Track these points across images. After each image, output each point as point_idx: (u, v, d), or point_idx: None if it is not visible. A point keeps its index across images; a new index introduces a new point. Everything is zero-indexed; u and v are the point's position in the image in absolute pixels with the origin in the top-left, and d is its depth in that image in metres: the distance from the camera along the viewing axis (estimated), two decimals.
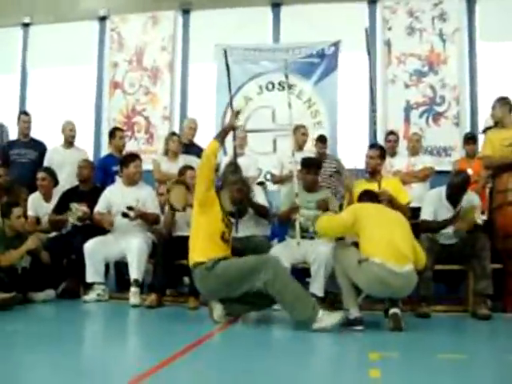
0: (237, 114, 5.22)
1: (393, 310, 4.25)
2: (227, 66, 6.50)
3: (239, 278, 4.31)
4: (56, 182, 6.50)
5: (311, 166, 5.75)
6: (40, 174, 6.42)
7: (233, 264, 4.39)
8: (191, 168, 5.95)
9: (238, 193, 4.76)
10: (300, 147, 6.72)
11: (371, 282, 4.23)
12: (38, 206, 6.39)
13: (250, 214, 5.67)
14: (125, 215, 5.67)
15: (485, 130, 6.41)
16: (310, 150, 7.27)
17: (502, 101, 5.79)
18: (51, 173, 6.48)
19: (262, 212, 5.77)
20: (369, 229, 4.35)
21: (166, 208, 5.72)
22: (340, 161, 7.10)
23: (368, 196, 4.88)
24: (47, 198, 6.42)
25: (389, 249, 4.23)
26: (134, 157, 6.09)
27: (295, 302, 4.17)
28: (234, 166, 5.03)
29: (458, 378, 2.91)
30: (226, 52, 6.67)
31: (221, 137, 4.79)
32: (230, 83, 6.48)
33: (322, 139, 7.03)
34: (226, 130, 4.94)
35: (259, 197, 5.86)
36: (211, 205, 4.51)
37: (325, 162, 6.87)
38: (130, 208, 5.67)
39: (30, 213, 6.33)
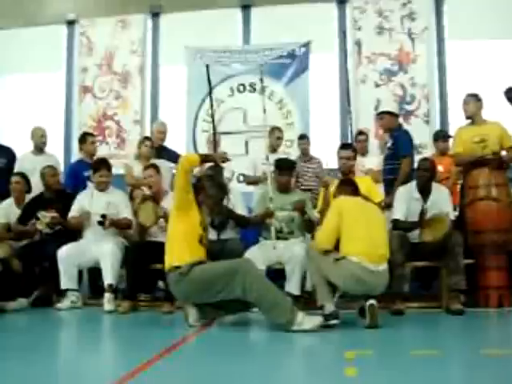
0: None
1: (370, 302, 4.25)
2: (209, 81, 6.44)
3: (214, 284, 4.26)
4: (29, 189, 6.42)
5: (285, 167, 5.75)
6: (14, 178, 6.38)
7: (207, 269, 4.34)
8: (153, 167, 5.91)
9: (216, 205, 4.76)
10: (274, 149, 6.71)
11: (347, 280, 4.27)
12: (9, 212, 6.30)
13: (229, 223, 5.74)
14: (100, 223, 5.63)
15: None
16: (283, 151, 7.29)
17: (475, 97, 5.85)
18: (25, 178, 6.42)
19: (241, 224, 5.80)
20: (349, 226, 4.36)
21: (135, 221, 5.73)
22: (321, 161, 7.13)
23: (347, 184, 4.84)
24: (19, 203, 6.33)
25: (368, 248, 4.27)
26: (99, 165, 6.04)
27: (273, 308, 4.15)
28: (212, 179, 4.91)
29: (432, 374, 2.92)
30: (208, 67, 6.62)
31: (205, 158, 4.84)
32: (211, 98, 6.47)
33: (302, 136, 7.18)
34: (213, 159, 4.98)
35: (238, 206, 5.84)
36: (189, 209, 4.47)
37: (310, 163, 6.92)
38: (103, 216, 5.63)
39: (0, 220, 6.24)
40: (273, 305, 4.14)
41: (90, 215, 5.80)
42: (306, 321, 4.09)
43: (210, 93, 6.45)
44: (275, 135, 6.84)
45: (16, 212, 6.25)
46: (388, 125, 6.18)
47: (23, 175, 6.46)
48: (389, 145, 6.16)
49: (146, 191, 5.96)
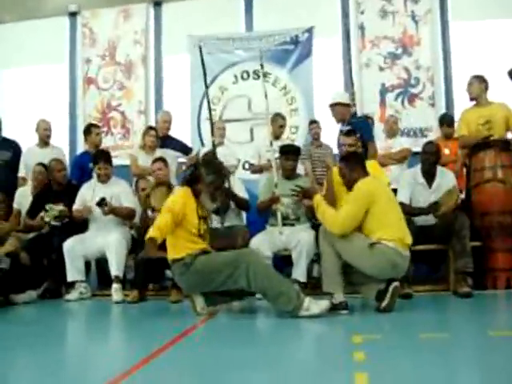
0: None
1: (395, 284, 4.24)
2: (203, 63, 6.40)
3: (218, 275, 4.26)
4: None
5: (290, 151, 5.74)
6: (37, 168, 6.51)
7: (211, 260, 4.33)
8: (162, 160, 5.92)
9: (217, 190, 4.66)
10: (277, 137, 6.69)
11: (384, 266, 4.23)
12: (22, 199, 6.43)
13: (231, 206, 5.77)
14: (99, 204, 5.61)
15: None
16: (288, 138, 7.26)
17: (480, 78, 5.82)
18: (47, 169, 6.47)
19: (242, 205, 5.85)
20: (382, 211, 4.29)
21: (142, 210, 5.72)
22: (331, 149, 7.12)
23: (357, 160, 4.63)
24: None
25: (399, 233, 4.27)
26: (97, 158, 6.06)
27: (279, 296, 4.14)
28: (208, 165, 4.82)
29: (442, 357, 2.92)
30: (201, 49, 6.58)
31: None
32: (206, 80, 6.41)
33: (313, 121, 7.29)
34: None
35: (239, 190, 5.86)
36: (182, 218, 4.37)
37: (321, 148, 6.95)
38: (102, 199, 5.62)
39: (14, 205, 6.43)
40: (278, 294, 4.13)
41: (91, 210, 5.81)
42: (313, 305, 4.09)
43: (205, 80, 6.39)
44: (278, 123, 6.82)
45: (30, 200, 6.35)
46: (340, 116, 6.25)
47: (45, 166, 6.49)
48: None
49: (152, 181, 5.99)
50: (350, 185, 4.50)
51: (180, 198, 4.43)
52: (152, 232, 4.18)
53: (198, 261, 4.30)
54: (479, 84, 5.81)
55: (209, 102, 6.39)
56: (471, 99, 5.91)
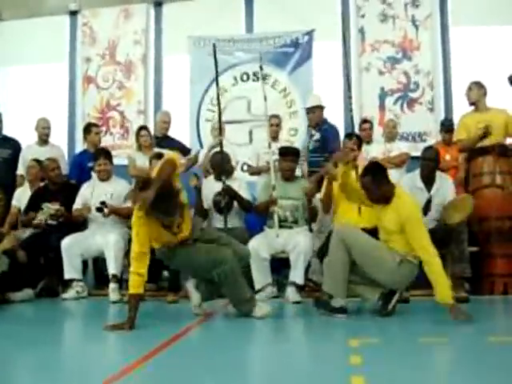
0: None
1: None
2: (215, 60, 6.37)
3: (196, 268, 4.44)
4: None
5: (288, 153, 5.75)
6: (30, 163, 6.57)
7: (192, 255, 4.39)
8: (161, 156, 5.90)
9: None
10: (274, 138, 6.68)
11: (404, 281, 4.39)
12: (22, 196, 6.44)
13: (234, 206, 5.82)
14: (99, 210, 5.63)
15: None
16: (288, 140, 7.25)
17: (478, 84, 5.84)
18: (40, 163, 6.52)
19: (245, 206, 5.86)
20: None
21: None
22: None
23: (384, 173, 4.43)
24: (33, 188, 6.46)
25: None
26: (98, 155, 6.09)
27: (238, 303, 4.39)
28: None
29: (440, 361, 2.93)
30: (214, 46, 6.55)
31: None
32: (217, 80, 6.40)
33: None
34: None
35: (243, 191, 5.89)
36: (151, 236, 4.21)
37: None
38: (103, 203, 5.63)
39: (14, 202, 6.47)
40: (238, 301, 4.38)
41: (91, 209, 5.81)
42: (257, 310, 4.32)
43: (217, 77, 6.38)
44: (271, 122, 6.84)
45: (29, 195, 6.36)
46: (319, 118, 6.42)
47: (38, 161, 6.54)
48: (317, 137, 6.39)
49: None
50: (377, 199, 4.41)
51: (135, 226, 4.17)
52: (133, 281, 4.13)
53: (180, 252, 4.39)
54: (478, 90, 5.84)
55: (219, 103, 6.33)
56: (470, 104, 5.93)
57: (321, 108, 6.64)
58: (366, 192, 4.45)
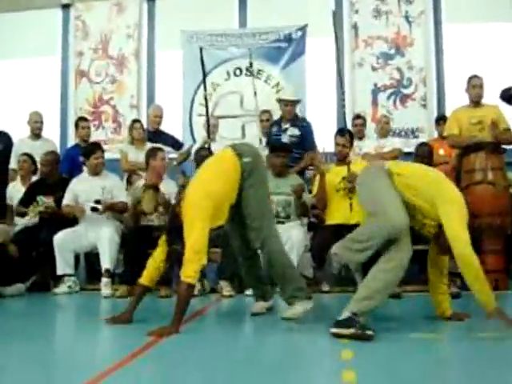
0: None
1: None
2: (202, 63, 6.37)
3: None
4: (35, 169, 6.56)
5: (279, 149, 5.74)
6: (21, 157, 6.56)
7: None
8: (160, 150, 5.91)
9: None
10: (266, 133, 6.68)
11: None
12: (13, 192, 6.40)
13: None
14: (94, 209, 5.62)
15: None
16: None
17: (482, 80, 5.87)
18: (31, 158, 6.55)
19: None
20: None
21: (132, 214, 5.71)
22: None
23: None
24: (25, 182, 6.46)
25: None
26: (94, 148, 6.06)
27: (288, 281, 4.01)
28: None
29: (432, 358, 2.93)
30: (201, 50, 6.56)
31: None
32: (205, 83, 6.39)
33: None
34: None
35: None
36: None
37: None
38: (97, 202, 5.63)
39: (8, 201, 6.37)
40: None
41: (85, 211, 5.77)
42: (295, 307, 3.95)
43: (204, 76, 6.38)
44: (261, 117, 6.84)
45: (22, 190, 6.33)
46: (292, 114, 6.43)
47: (29, 155, 6.55)
48: (295, 133, 6.34)
49: (143, 176, 5.98)
50: None
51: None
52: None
53: None
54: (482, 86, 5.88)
55: (207, 105, 6.36)
56: (476, 102, 5.91)
57: (298, 103, 6.62)
58: None
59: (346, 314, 3.40)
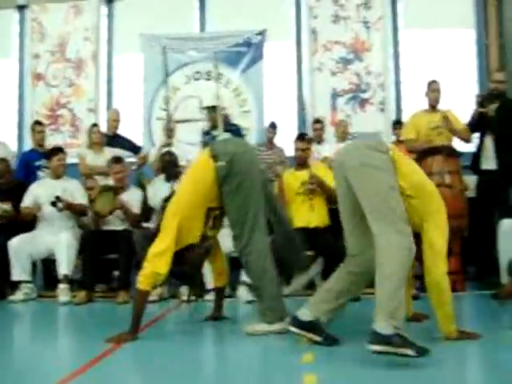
0: None
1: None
2: (165, 64, 6.34)
3: None
4: None
5: None
6: None
7: None
8: (120, 161, 5.88)
9: None
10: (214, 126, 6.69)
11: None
12: None
13: None
14: (54, 204, 5.51)
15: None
16: None
17: (438, 84, 5.96)
18: None
19: None
20: None
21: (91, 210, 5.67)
22: (283, 150, 7.14)
23: None
24: None
25: None
26: (57, 150, 5.99)
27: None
28: None
29: (393, 360, 2.94)
30: (164, 49, 6.53)
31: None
32: (167, 83, 6.36)
33: (272, 125, 7.19)
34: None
35: None
36: None
37: (272, 150, 6.97)
38: (57, 197, 5.52)
39: None
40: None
41: (41, 208, 5.70)
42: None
43: (166, 76, 6.35)
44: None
45: None
46: (218, 118, 6.49)
47: None
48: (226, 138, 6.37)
49: (101, 181, 5.93)
50: None
51: None
52: None
53: None
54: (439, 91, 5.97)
55: (167, 108, 6.32)
56: (433, 106, 6.00)
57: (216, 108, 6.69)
58: None
59: (388, 330, 2.99)
